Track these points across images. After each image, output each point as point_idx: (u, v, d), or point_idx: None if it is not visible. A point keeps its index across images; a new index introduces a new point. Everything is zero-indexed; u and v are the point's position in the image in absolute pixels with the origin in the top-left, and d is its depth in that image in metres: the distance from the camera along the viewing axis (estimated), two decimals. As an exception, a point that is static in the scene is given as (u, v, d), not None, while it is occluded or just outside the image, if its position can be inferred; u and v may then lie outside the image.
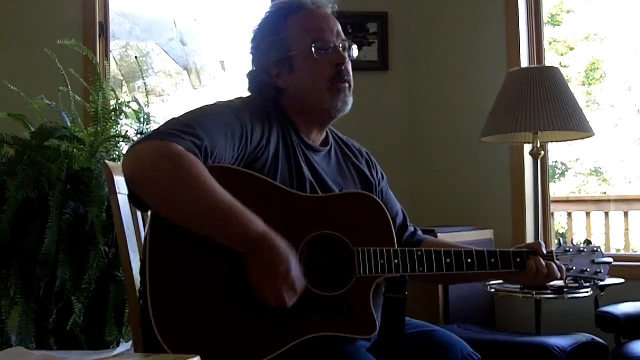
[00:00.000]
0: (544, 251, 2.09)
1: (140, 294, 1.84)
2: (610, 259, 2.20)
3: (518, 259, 2.05)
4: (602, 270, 2.16)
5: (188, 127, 1.77)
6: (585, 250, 2.17)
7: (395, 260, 1.91)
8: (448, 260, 1.97)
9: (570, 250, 2.15)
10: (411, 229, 2.30)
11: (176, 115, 1.87)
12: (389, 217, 1.96)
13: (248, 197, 1.78)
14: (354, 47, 2.11)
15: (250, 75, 2.13)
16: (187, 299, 1.73)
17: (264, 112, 1.98)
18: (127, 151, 1.81)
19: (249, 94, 2.14)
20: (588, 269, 2.15)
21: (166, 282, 1.73)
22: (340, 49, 2.06)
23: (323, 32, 2.05)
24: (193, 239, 1.74)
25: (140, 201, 1.78)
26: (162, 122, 1.90)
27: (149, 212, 1.84)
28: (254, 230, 1.74)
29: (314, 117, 2.09)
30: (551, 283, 3.47)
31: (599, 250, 2.18)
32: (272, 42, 2.06)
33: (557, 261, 2.10)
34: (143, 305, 1.75)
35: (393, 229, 1.96)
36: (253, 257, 1.74)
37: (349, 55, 2.09)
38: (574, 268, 2.14)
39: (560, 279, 2.10)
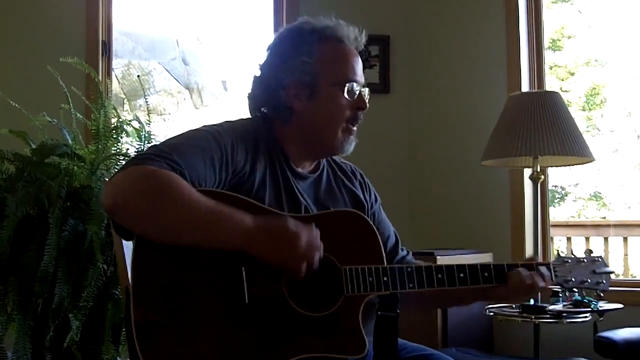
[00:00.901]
0: (537, 261, 2.03)
1: (125, 322, 1.82)
2: (613, 269, 2.11)
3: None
4: (604, 281, 2.06)
5: (165, 152, 1.75)
6: (585, 260, 2.08)
7: (385, 278, 1.88)
8: (439, 275, 1.94)
9: (569, 261, 2.07)
10: (403, 253, 2.25)
11: (157, 143, 1.86)
12: (378, 235, 1.94)
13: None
14: (368, 93, 2.09)
15: (261, 83, 2.06)
16: (172, 326, 1.70)
17: (250, 137, 1.95)
18: (106, 183, 1.79)
19: (248, 114, 2.11)
20: (589, 280, 2.06)
21: (150, 310, 1.70)
22: (363, 94, 2.05)
23: (355, 75, 2.03)
24: (177, 266, 1.72)
25: (124, 230, 1.75)
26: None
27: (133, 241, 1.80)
28: (247, 222, 1.73)
29: (315, 149, 2.06)
30: (550, 307, 3.50)
31: (600, 260, 2.10)
32: (301, 62, 1.99)
33: (540, 269, 2.02)
34: (127, 331, 1.73)
35: (382, 246, 1.94)
36: (258, 243, 1.73)
37: None
38: (574, 280, 2.05)
39: (544, 289, 2.02)
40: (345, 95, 2.00)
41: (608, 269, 2.09)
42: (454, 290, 1.98)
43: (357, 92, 2.03)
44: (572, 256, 2.09)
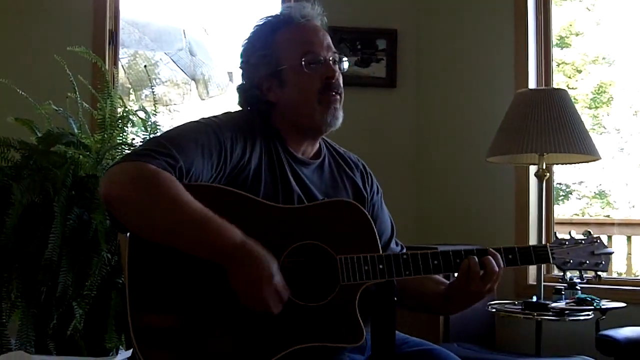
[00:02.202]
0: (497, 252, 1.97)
1: (122, 312, 1.83)
2: (612, 250, 2.08)
3: (510, 256, 1.97)
4: (603, 262, 2.04)
5: (163, 147, 1.77)
6: (583, 242, 2.05)
7: (380, 266, 1.88)
8: (435, 262, 1.94)
9: (567, 243, 2.04)
10: (396, 248, 2.24)
11: (156, 135, 1.88)
12: (373, 224, 1.94)
13: (226, 213, 1.77)
14: (345, 59, 2.10)
15: (241, 89, 2.12)
16: (168, 316, 1.72)
17: (248, 127, 1.97)
18: (104, 174, 1.82)
19: (239, 108, 2.14)
20: (587, 261, 2.03)
21: (146, 300, 1.72)
22: (331, 62, 2.04)
23: (313, 45, 2.04)
24: (172, 257, 1.74)
25: (119, 223, 1.78)
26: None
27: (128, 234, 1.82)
28: (233, 240, 1.73)
29: (304, 131, 2.07)
30: (553, 305, 3.49)
31: (599, 241, 2.07)
32: (261, 56, 2.04)
33: (491, 250, 1.95)
34: (125, 323, 1.75)
35: (377, 235, 1.94)
36: (234, 266, 1.73)
37: (340, 69, 2.07)
38: (572, 261, 2.02)
39: (498, 276, 1.94)
40: (306, 69, 2.01)
41: (607, 250, 2.07)
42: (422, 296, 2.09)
43: (320, 62, 2.03)
44: (570, 237, 2.06)
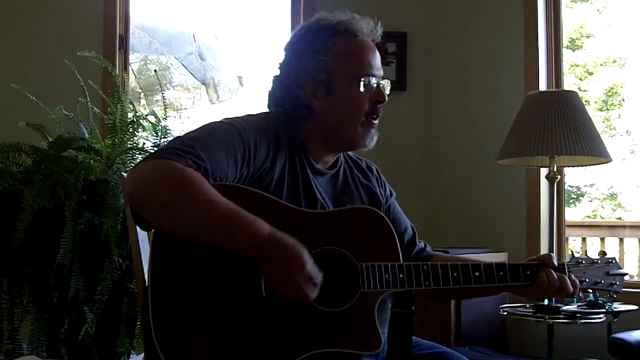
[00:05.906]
0: (556, 263, 2.02)
1: (142, 315, 1.83)
2: (626, 271, 2.11)
3: (528, 272, 2.00)
4: (617, 282, 2.07)
5: (190, 147, 1.76)
6: (599, 261, 2.09)
7: (401, 275, 1.88)
8: (455, 274, 1.94)
9: (583, 262, 2.08)
10: (421, 245, 2.27)
11: (180, 134, 1.88)
12: (394, 232, 1.94)
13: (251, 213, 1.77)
14: (389, 86, 2.09)
15: (281, 83, 2.07)
16: (189, 318, 1.71)
17: (272, 132, 1.95)
18: (129, 172, 1.81)
19: (266, 109, 2.12)
20: (602, 281, 2.07)
21: (168, 302, 1.72)
22: (382, 86, 2.04)
23: (372, 68, 2.03)
24: (195, 259, 1.74)
25: (143, 220, 1.78)
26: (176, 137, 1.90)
27: (152, 231, 1.81)
28: (261, 232, 1.72)
29: (334, 144, 2.06)
30: (564, 308, 3.48)
31: (614, 261, 2.10)
32: (317, 60, 2.00)
33: (571, 276, 2.02)
34: (145, 324, 1.75)
35: (398, 243, 1.94)
36: (265, 259, 1.72)
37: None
38: (587, 280, 2.06)
39: (573, 294, 2.03)
40: (362, 89, 2.00)
41: (622, 271, 2.10)
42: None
43: (375, 85, 2.02)
44: (586, 257, 2.10)
